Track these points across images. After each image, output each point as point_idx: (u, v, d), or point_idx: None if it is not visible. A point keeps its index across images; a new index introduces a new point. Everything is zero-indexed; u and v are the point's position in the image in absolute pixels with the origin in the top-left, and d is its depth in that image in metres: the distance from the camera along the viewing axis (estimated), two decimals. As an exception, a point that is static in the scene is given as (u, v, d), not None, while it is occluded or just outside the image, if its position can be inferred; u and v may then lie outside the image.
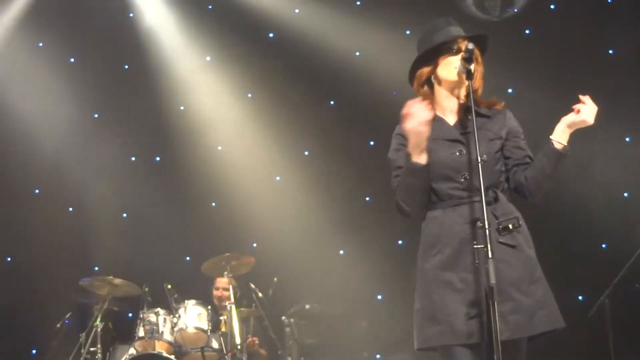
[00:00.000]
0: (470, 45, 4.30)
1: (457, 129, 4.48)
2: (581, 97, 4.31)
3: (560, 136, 4.32)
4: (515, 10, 8.75)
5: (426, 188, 4.36)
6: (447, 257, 4.32)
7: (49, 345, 8.74)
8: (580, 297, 8.53)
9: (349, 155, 9.88)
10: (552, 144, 4.31)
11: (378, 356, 8.95)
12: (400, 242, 9.75)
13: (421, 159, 4.27)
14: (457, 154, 4.39)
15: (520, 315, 4.21)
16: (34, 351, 9.54)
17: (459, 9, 8.77)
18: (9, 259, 10.01)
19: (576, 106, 4.29)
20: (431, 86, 4.57)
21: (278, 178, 10.26)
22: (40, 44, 10.22)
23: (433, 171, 4.39)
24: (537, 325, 4.27)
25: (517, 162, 4.45)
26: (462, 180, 4.36)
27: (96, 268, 9.39)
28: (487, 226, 4.06)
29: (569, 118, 4.30)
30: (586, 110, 4.28)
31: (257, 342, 8.58)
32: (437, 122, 4.50)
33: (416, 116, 4.23)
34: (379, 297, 9.65)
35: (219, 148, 10.28)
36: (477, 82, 4.45)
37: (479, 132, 4.29)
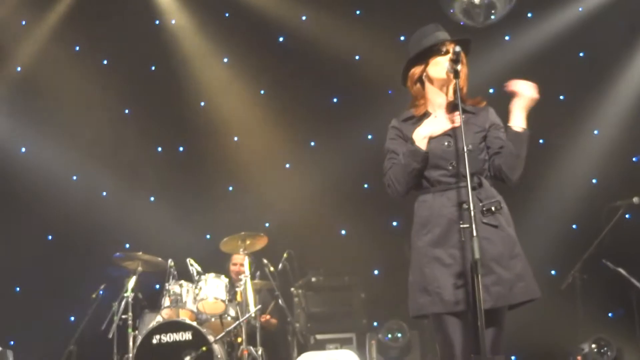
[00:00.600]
0: (458, 48, 4.38)
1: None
2: (508, 84, 4.44)
3: (516, 121, 4.41)
4: (494, 18, 8.78)
5: (420, 172, 4.43)
6: (436, 235, 4.40)
7: (85, 313, 8.79)
8: (553, 272, 8.56)
9: (349, 146, 9.91)
10: (512, 129, 4.41)
11: (375, 323, 8.96)
12: (394, 223, 9.82)
13: (424, 146, 4.41)
14: (446, 144, 4.45)
15: (501, 286, 4.29)
16: (72, 318, 9.59)
17: (446, 16, 8.82)
18: (50, 237, 10.04)
19: (513, 89, 4.41)
20: (422, 84, 4.62)
21: (287, 165, 10.32)
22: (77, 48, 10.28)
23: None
24: (516, 295, 4.35)
25: (495, 150, 4.50)
26: (450, 168, 4.43)
27: (127, 245, 9.39)
28: (472, 208, 4.14)
29: (516, 102, 4.40)
30: (523, 89, 4.40)
31: (269, 318, 8.61)
32: (428, 117, 4.64)
33: (438, 121, 4.44)
34: (376, 272, 9.69)
35: (235, 139, 10.32)
36: (462, 81, 4.51)
37: (465, 126, 4.35)
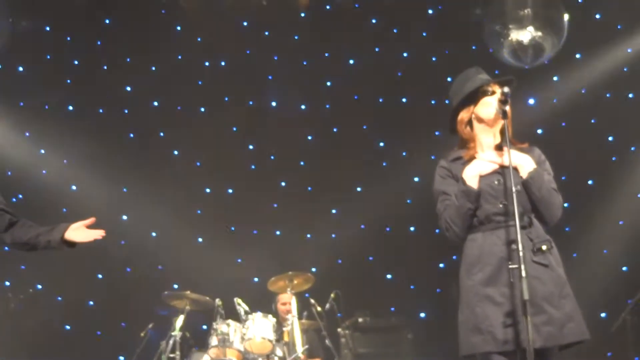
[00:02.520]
0: (507, 89, 4.34)
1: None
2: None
3: (521, 171, 4.37)
4: (546, 61, 8.70)
5: (474, 211, 4.38)
6: (487, 274, 4.31)
7: (134, 352, 8.77)
8: (603, 315, 8.36)
9: (395, 189, 9.76)
10: (523, 179, 4.37)
11: None
12: (441, 265, 9.68)
13: (475, 184, 4.36)
14: (496, 182, 4.39)
15: (551, 326, 4.19)
16: (121, 358, 9.53)
17: (495, 57, 8.76)
18: (100, 276, 10.01)
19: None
20: (471, 126, 4.57)
21: (334, 211, 10.19)
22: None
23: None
24: (567, 336, 4.24)
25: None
26: (501, 206, 4.36)
27: (175, 285, 9.34)
28: (520, 248, 4.08)
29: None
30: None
31: None
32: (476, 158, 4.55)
33: (487, 159, 4.40)
34: (422, 314, 9.55)
35: (283, 183, 10.26)
36: (508, 122, 4.47)
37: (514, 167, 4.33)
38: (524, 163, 4.42)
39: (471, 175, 4.40)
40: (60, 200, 9.92)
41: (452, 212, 4.44)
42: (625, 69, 9.37)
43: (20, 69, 10.03)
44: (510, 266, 4.17)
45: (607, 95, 9.46)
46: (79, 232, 4.79)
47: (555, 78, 9.54)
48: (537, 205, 4.37)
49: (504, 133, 4.39)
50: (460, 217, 4.41)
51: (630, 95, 9.47)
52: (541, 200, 4.36)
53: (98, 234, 4.81)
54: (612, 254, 8.98)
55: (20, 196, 9.69)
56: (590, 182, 9.06)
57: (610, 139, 9.46)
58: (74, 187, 10.23)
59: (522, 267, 4.05)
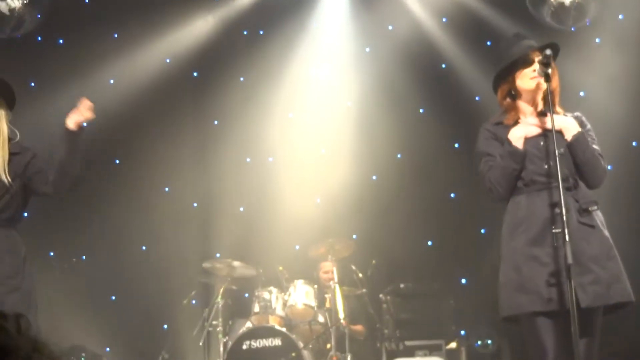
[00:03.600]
0: (548, 51, 4.32)
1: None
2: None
3: (567, 133, 4.44)
4: (588, 22, 8.53)
5: (519, 173, 4.39)
6: (533, 235, 4.31)
7: (177, 320, 8.84)
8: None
9: (436, 156, 9.72)
10: (567, 142, 4.43)
11: (463, 332, 8.75)
12: (482, 230, 9.57)
13: (521, 145, 4.38)
14: (542, 144, 4.42)
15: (598, 286, 4.21)
16: (165, 326, 9.57)
17: (534, 20, 8.57)
18: (144, 247, 10.03)
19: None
20: (512, 97, 4.57)
21: (374, 177, 10.12)
22: (168, 60, 10.25)
23: None
24: (614, 296, 4.26)
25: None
26: (546, 167, 4.36)
27: (218, 254, 9.33)
28: (564, 212, 4.10)
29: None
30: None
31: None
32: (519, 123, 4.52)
33: (532, 123, 4.45)
34: (463, 280, 9.48)
35: (322, 151, 10.18)
36: (554, 88, 4.45)
37: (558, 131, 4.36)
38: (569, 126, 4.44)
39: (517, 137, 4.39)
40: (104, 175, 10.00)
41: (497, 173, 4.46)
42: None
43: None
44: (554, 230, 4.18)
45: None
46: (72, 117, 4.93)
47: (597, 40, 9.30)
48: (581, 168, 4.37)
49: (546, 98, 4.39)
50: (505, 177, 4.42)
51: None
52: (586, 163, 4.37)
53: (86, 107, 4.95)
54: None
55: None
56: (634, 143, 8.85)
57: None
58: (117, 161, 10.29)
59: (566, 230, 4.05)
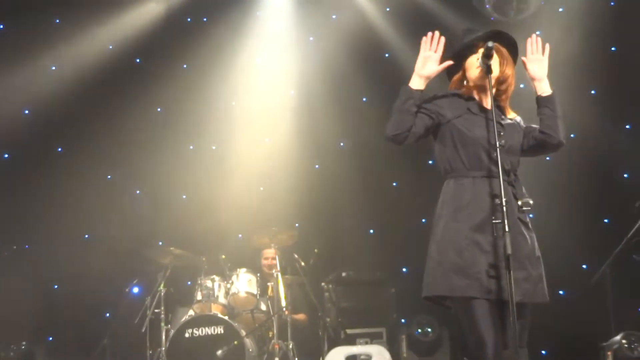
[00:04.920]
0: (490, 44, 4.25)
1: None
2: (523, 58, 4.47)
3: (543, 87, 4.43)
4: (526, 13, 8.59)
5: (413, 114, 4.35)
6: (478, 221, 4.24)
7: (119, 308, 8.72)
8: (584, 266, 8.32)
9: (378, 146, 9.65)
10: (543, 95, 4.42)
11: (403, 320, 8.79)
12: (423, 220, 9.58)
13: (421, 86, 4.36)
14: (486, 134, 4.32)
15: (529, 284, 4.23)
16: (107, 314, 9.52)
17: (476, 11, 8.62)
18: (86, 236, 9.91)
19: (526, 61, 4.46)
20: (464, 85, 4.54)
21: (317, 166, 10.13)
22: (111, 47, 10.06)
23: (466, 141, 4.38)
24: (537, 295, 4.30)
25: (536, 128, 4.45)
26: (488, 157, 4.29)
27: (160, 242, 9.28)
28: (504, 203, 4.06)
29: (531, 73, 4.45)
30: (533, 60, 4.45)
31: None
32: (477, 102, 4.46)
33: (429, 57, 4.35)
34: (404, 269, 9.50)
35: (267, 140, 10.12)
36: (506, 69, 4.39)
37: (510, 124, 4.39)
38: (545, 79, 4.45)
39: (420, 74, 4.37)
40: (47, 163, 9.80)
41: (396, 116, 4.40)
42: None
43: None
44: (494, 221, 4.13)
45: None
46: None
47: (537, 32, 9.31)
48: (552, 123, 4.39)
49: (489, 88, 4.31)
50: (404, 118, 4.36)
51: (613, 49, 9.25)
52: (558, 117, 4.39)
53: None
54: (595, 206, 8.86)
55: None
56: (572, 135, 8.92)
57: (592, 92, 9.25)
58: (60, 149, 10.09)
59: (506, 222, 4.03)
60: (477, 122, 4.36)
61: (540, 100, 4.43)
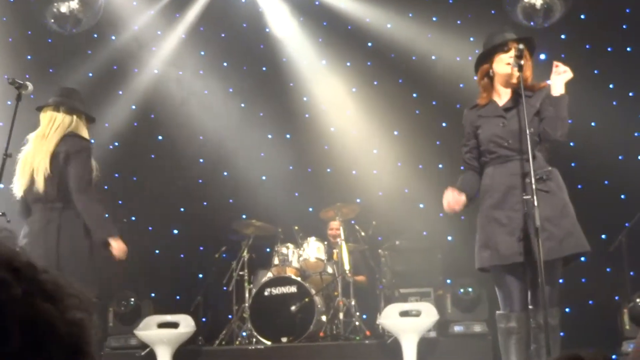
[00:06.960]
0: (521, 46, 4.45)
1: (504, 107, 4.61)
2: (555, 62, 4.56)
3: (556, 89, 4.50)
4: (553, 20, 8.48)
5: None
6: (496, 200, 4.48)
7: (211, 270, 9.03)
8: (603, 236, 8.39)
9: (427, 134, 9.79)
10: (552, 95, 4.51)
11: (449, 280, 8.83)
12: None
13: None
14: (501, 125, 4.54)
15: (552, 242, 4.33)
16: (200, 275, 9.71)
17: (510, 20, 8.60)
18: (182, 209, 10.12)
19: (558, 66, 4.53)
20: (490, 79, 4.69)
21: (375, 151, 10.21)
22: (202, 52, 10.31)
23: (485, 138, 4.57)
24: (566, 249, 4.40)
25: (542, 117, 4.57)
26: (506, 144, 4.49)
27: (244, 215, 9.45)
28: (533, 182, 4.27)
29: (556, 78, 4.52)
30: (555, 72, 4.53)
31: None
32: (490, 104, 4.67)
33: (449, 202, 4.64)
34: (449, 237, 9.60)
35: (332, 129, 10.26)
36: (527, 73, 4.56)
37: (520, 110, 4.51)
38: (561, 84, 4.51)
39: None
40: (146, 150, 10.18)
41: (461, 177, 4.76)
42: (624, 26, 9.13)
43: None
44: (525, 197, 4.35)
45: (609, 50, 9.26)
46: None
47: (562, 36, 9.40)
48: (552, 122, 4.47)
49: (519, 83, 4.50)
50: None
51: (628, 49, 9.18)
52: (558, 118, 4.45)
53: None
54: (612, 183, 8.84)
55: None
56: (593, 124, 8.93)
57: (611, 86, 9.18)
58: (160, 137, 10.36)
59: (535, 197, 4.24)
60: (489, 120, 4.66)
61: (551, 99, 4.53)
